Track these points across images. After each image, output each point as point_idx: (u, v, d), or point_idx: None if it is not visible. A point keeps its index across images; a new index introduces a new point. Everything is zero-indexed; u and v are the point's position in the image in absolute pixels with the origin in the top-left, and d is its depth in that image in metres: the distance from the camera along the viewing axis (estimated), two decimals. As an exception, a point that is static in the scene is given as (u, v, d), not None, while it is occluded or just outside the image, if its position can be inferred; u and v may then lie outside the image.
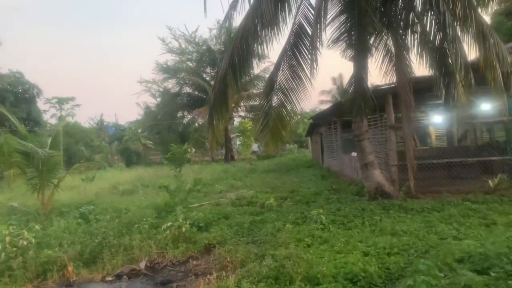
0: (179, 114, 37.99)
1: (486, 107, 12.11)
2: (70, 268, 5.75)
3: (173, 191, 10.19)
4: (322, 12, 8.24)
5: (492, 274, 3.57)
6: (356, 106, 8.76)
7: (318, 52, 8.12)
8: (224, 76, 8.40)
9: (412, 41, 9.35)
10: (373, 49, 9.39)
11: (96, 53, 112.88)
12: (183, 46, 36.12)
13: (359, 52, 8.77)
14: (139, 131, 41.16)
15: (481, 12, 8.09)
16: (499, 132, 15.35)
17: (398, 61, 9.36)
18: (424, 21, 6.25)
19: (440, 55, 6.24)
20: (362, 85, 8.85)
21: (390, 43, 9.95)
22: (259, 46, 8.87)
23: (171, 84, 37.58)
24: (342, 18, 8.92)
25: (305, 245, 5.76)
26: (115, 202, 11.68)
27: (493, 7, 10.21)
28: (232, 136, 39.02)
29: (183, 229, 7.06)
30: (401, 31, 9.22)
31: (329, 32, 9.01)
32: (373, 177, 9.04)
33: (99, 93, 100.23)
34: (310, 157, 30.59)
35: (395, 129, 10.48)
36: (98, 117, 53.55)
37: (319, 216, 7.12)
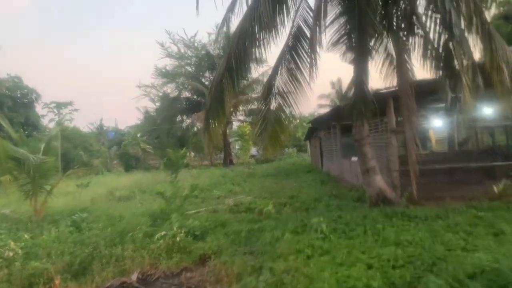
0: (178, 118, 37.80)
1: (489, 110, 11.88)
2: (57, 282, 5.46)
3: (169, 197, 9.90)
4: (322, 14, 8.03)
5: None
6: (357, 110, 8.52)
7: (317, 55, 7.92)
8: (220, 80, 8.16)
9: (413, 43, 9.20)
10: (374, 52, 9.14)
11: (97, 57, 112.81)
12: (182, 50, 36.01)
13: (360, 55, 8.54)
14: (138, 135, 40.94)
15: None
16: (500, 136, 15.10)
17: (399, 64, 9.12)
18: (428, 22, 6.00)
19: (446, 57, 6.00)
20: (363, 88, 8.62)
21: (391, 46, 9.75)
22: (256, 49, 8.63)
23: (170, 89, 37.47)
24: (342, 20, 8.72)
25: (305, 257, 5.48)
26: (110, 209, 11.39)
27: (491, 10, 9.99)
28: (231, 140, 38.78)
29: (178, 239, 6.77)
30: (402, 34, 9.01)
31: (328, 35, 8.82)
32: (374, 183, 8.77)
33: (99, 98, 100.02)
34: (309, 162, 30.31)
35: (397, 133, 10.24)
36: (98, 121, 53.34)
37: (320, 224, 6.84)
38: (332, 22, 8.68)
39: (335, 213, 8.31)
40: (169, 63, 37.06)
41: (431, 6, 5.70)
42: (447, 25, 5.46)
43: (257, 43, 8.58)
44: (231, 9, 9.20)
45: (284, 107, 9.47)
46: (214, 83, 8.35)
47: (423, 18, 6.54)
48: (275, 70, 9.59)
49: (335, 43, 8.67)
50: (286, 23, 8.95)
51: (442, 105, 15.88)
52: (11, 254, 5.95)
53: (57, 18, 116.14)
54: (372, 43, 9.00)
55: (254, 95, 32.91)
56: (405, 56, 9.21)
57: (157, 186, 11.23)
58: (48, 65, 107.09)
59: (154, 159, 37.38)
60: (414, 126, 9.31)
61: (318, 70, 8.43)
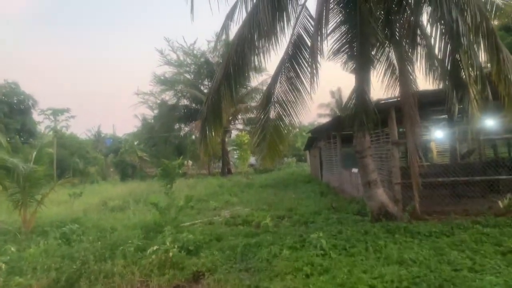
0: (176, 126, 37.57)
1: (493, 122, 11.65)
2: (40, 300, 5.14)
3: (163, 209, 9.58)
4: (323, 22, 7.82)
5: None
6: (358, 121, 8.27)
7: (318, 65, 7.71)
8: (218, 87, 7.91)
9: (416, 53, 9.00)
10: (376, 62, 8.93)
11: (96, 64, 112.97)
12: (181, 58, 35.99)
13: (361, 64, 8.32)
14: (136, 143, 40.67)
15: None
16: (503, 148, 14.87)
17: (402, 74, 8.92)
18: (434, 31, 5.78)
19: (452, 67, 5.76)
20: (364, 98, 8.38)
21: (393, 55, 9.55)
22: (256, 57, 8.41)
23: (168, 96, 37.33)
24: (343, 28, 8.51)
25: (303, 276, 5.17)
26: (102, 220, 11.06)
27: (494, 21, 9.83)
28: (229, 149, 38.50)
29: (171, 254, 6.46)
30: (405, 43, 8.82)
31: (329, 43, 8.62)
32: (376, 197, 8.48)
33: (97, 105, 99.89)
34: (309, 172, 30.02)
35: (399, 145, 9.99)
36: (96, 128, 52.99)
37: (319, 240, 6.53)
38: (333, 30, 8.47)
39: (335, 227, 8.01)
40: (167, 71, 37.07)
41: (437, 14, 5.47)
42: (454, 34, 5.23)
43: (256, 50, 8.37)
44: (230, 16, 9.01)
45: (283, 116, 9.26)
46: (212, 90, 8.11)
47: (428, 27, 6.31)
48: (275, 78, 9.39)
49: (336, 52, 8.45)
50: (286, 30, 8.73)
51: (444, 116, 15.70)
52: (-7, 269, 5.61)
53: (56, 24, 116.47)
54: (374, 52, 8.78)
55: (253, 104, 32.73)
56: (408, 66, 9.03)
57: (152, 197, 10.92)
58: (46, 71, 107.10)
59: (151, 168, 37.05)
60: (417, 138, 9.06)
61: (319, 79, 8.30)
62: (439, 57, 5.88)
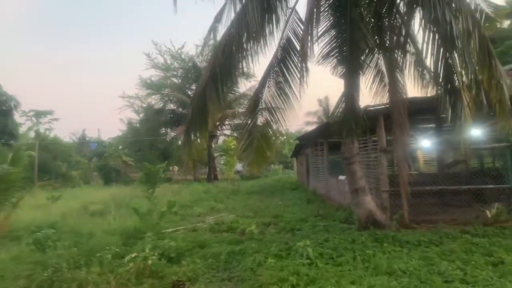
0: (162, 131, 37.06)
1: (480, 131, 11.66)
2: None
3: (144, 214, 9.24)
4: (313, 25, 7.69)
5: None
6: (347, 127, 8.11)
7: (308, 69, 7.55)
8: (204, 90, 7.66)
9: (406, 60, 8.94)
10: (365, 67, 8.82)
11: (81, 66, 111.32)
12: (168, 62, 35.58)
13: (351, 69, 8.17)
14: (120, 147, 40.01)
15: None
16: (490, 158, 14.93)
17: (391, 81, 8.83)
18: (426, 35, 5.65)
19: (446, 72, 5.63)
20: (353, 104, 8.23)
21: (381, 62, 9.47)
22: (244, 59, 8.21)
23: (154, 100, 36.76)
24: (333, 32, 8.36)
25: (289, 286, 4.92)
26: (80, 225, 10.60)
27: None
28: (216, 155, 38.12)
29: (150, 262, 6.14)
30: (395, 50, 8.74)
31: (319, 47, 8.47)
32: (364, 204, 8.31)
33: (82, 108, 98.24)
34: (295, 179, 29.86)
35: (387, 152, 9.89)
36: (80, 132, 52.04)
37: (305, 248, 6.30)
38: (323, 34, 8.31)
39: (322, 235, 7.79)
40: (154, 74, 36.62)
41: (431, 17, 5.35)
42: (448, 37, 5.12)
43: (244, 53, 8.17)
44: (218, 19, 8.81)
45: (271, 122, 9.04)
46: (197, 93, 7.87)
47: (419, 32, 6.21)
48: (263, 83, 9.19)
49: (326, 56, 8.28)
50: (275, 33, 8.58)
51: (431, 125, 15.73)
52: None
53: (41, 24, 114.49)
54: (363, 58, 8.67)
55: (241, 110, 32.52)
56: (397, 73, 8.94)
57: (134, 202, 10.56)
58: (29, 73, 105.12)
59: (135, 172, 36.38)
60: (405, 146, 8.96)
61: (308, 85, 8.14)
62: (432, 61, 5.74)
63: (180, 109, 35.17)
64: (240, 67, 8.40)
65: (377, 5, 8.39)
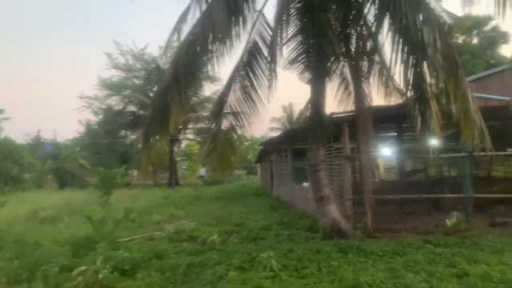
0: (122, 133, 35.78)
1: (439, 140, 11.92)
2: None
3: (98, 222, 8.62)
4: (283, 29, 7.51)
5: None
6: (313, 133, 7.98)
7: (276, 74, 7.35)
8: (166, 90, 7.24)
9: (371, 69, 8.98)
10: (332, 74, 8.76)
11: (38, 65, 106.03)
12: (130, 62, 34.48)
13: (317, 75, 8.08)
14: (77, 149, 38.24)
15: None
16: (448, 167, 15.40)
17: (357, 89, 8.82)
18: (396, 43, 5.60)
19: (415, 80, 5.58)
20: (320, 110, 8.14)
21: (346, 70, 9.46)
22: (208, 61, 7.88)
23: (114, 102, 35.47)
24: (300, 37, 8.24)
25: (251, 303, 4.61)
26: (27, 233, 9.78)
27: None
28: (178, 159, 37.24)
29: (100, 275, 5.64)
30: (360, 58, 8.74)
31: (286, 52, 8.32)
32: (328, 213, 8.17)
33: (38, 108, 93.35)
34: (259, 185, 29.69)
35: (351, 160, 9.88)
36: (35, 133, 49.14)
37: (269, 260, 6.02)
38: (290, 39, 8.16)
39: (286, 245, 7.56)
40: (115, 75, 35.34)
41: (401, 24, 5.29)
42: (420, 45, 5.07)
43: (209, 54, 7.84)
44: (183, 19, 8.41)
45: (236, 127, 8.77)
46: (158, 94, 7.45)
47: (388, 39, 6.16)
48: (228, 86, 8.90)
49: (293, 62, 8.15)
50: (241, 36, 8.31)
51: (392, 133, 16.05)
52: None
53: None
54: (329, 65, 8.59)
55: (205, 114, 32.02)
56: (362, 81, 8.95)
57: (87, 209, 9.86)
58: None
59: (92, 176, 34.87)
60: (370, 153, 8.97)
61: (276, 90, 7.95)
62: (401, 70, 5.68)
63: (141, 111, 34.16)
64: (205, 68, 8.08)
65: (344, 12, 8.35)
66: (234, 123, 8.75)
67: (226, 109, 8.74)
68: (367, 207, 8.39)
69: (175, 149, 34.85)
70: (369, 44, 8.78)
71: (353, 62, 8.89)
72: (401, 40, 5.58)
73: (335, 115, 9.31)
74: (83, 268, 5.88)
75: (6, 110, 37.78)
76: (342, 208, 9.11)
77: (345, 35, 8.71)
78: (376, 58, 9.16)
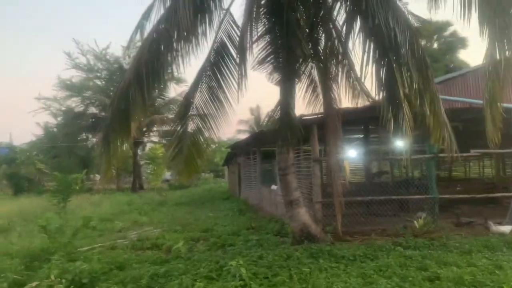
0: (82, 136, 34.30)
1: (404, 142, 12.10)
2: None
3: (54, 232, 8.02)
4: (251, 28, 7.27)
5: None
6: (282, 136, 7.79)
7: (245, 74, 7.10)
8: (127, 90, 6.79)
9: (337, 71, 8.92)
10: (302, 75, 8.63)
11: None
12: (91, 62, 33.18)
13: (286, 76, 7.91)
14: (34, 153, 36.29)
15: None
16: (414, 168, 15.75)
17: (325, 91, 8.72)
18: (367, 43, 5.49)
19: (387, 81, 5.49)
20: (289, 112, 7.97)
21: (315, 72, 9.37)
22: (173, 59, 7.51)
23: (74, 103, 33.99)
24: (269, 37, 8.04)
25: (220, 316, 4.31)
26: (-27, 245, 8.99)
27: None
28: (142, 163, 36.17)
29: (54, 291, 5.16)
30: (329, 60, 8.66)
31: (255, 52, 8.08)
32: (298, 217, 7.99)
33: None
34: (227, 188, 29.33)
35: (320, 162, 9.79)
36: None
37: (238, 268, 5.72)
38: (259, 38, 7.94)
39: (255, 251, 7.29)
40: (75, 75, 33.86)
41: (373, 24, 5.18)
42: (392, 44, 4.98)
43: (174, 53, 7.47)
44: (146, 16, 7.97)
45: (203, 129, 8.44)
46: (118, 93, 6.97)
47: (358, 40, 6.05)
48: (194, 87, 8.55)
49: (262, 62, 7.93)
50: (208, 35, 7.98)
51: (358, 135, 16.23)
52: None
53: None
54: (298, 65, 8.46)
55: (170, 116, 31.32)
56: (331, 83, 8.87)
57: (42, 217, 9.18)
58: None
59: (50, 181, 33.22)
60: (339, 155, 8.90)
61: (245, 91, 7.70)
62: (373, 70, 5.57)
63: (103, 113, 32.90)
64: (169, 68, 7.70)
65: (313, 13, 8.24)
66: (200, 125, 8.43)
67: (192, 111, 8.41)
68: (337, 210, 8.28)
69: (139, 152, 33.85)
70: (337, 46, 8.72)
71: (322, 64, 8.82)
72: (373, 39, 5.48)
73: (304, 117, 9.18)
74: (34, 284, 5.39)
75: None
76: (312, 212, 8.99)
77: (314, 36, 8.61)
78: (345, 61, 9.11)
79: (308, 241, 7.70)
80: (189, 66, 7.92)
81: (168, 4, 7.62)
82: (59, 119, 35.38)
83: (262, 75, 8.37)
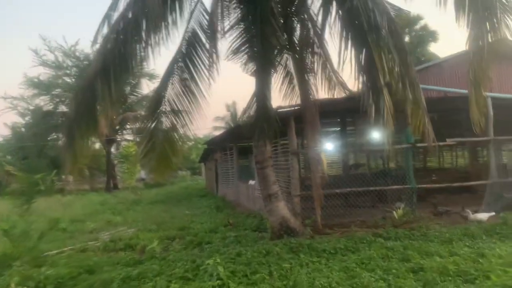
0: (52, 136, 33.00)
1: (380, 133, 12.09)
2: None
3: (17, 236, 7.51)
4: (222, 17, 6.97)
5: None
6: (259, 128, 7.52)
7: (217, 67, 6.83)
8: (92, 83, 6.36)
9: (313, 62, 8.74)
10: (277, 65, 8.39)
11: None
12: (60, 59, 31.92)
13: (262, 66, 7.63)
14: (1, 155, 34.77)
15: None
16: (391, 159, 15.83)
17: (302, 82, 8.52)
18: (344, 29, 5.28)
19: (367, 67, 5.28)
20: (266, 104, 7.69)
21: (290, 64, 9.16)
22: (143, 50, 7.10)
23: (43, 102, 32.65)
24: (243, 26, 7.75)
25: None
26: None
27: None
28: (116, 161, 35.19)
29: (14, 301, 4.74)
30: (306, 49, 8.46)
31: (229, 41, 7.79)
32: (277, 211, 7.77)
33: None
34: (204, 185, 28.91)
35: (298, 155, 9.61)
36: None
37: (215, 267, 5.44)
38: (232, 27, 7.65)
39: (233, 248, 7.03)
40: (43, 72, 32.49)
41: (353, 5, 4.96)
42: (372, 26, 4.78)
43: (144, 43, 7.06)
44: (113, 6, 7.51)
45: (176, 125, 8.05)
46: (82, 87, 6.53)
47: (334, 28, 5.85)
48: (165, 80, 8.16)
49: (236, 51, 7.64)
50: (179, 24, 7.61)
51: (335, 128, 16.19)
52: None
53: None
54: (274, 56, 8.20)
55: (144, 113, 30.56)
56: (307, 74, 8.68)
57: (3, 220, 8.62)
58: None
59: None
60: (318, 148, 8.73)
61: (217, 82, 7.42)
62: (352, 57, 5.36)
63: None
64: (139, 59, 7.28)
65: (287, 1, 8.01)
66: (174, 120, 8.04)
67: (164, 106, 8.02)
68: (316, 202, 8.11)
69: (113, 150, 32.92)
70: (313, 36, 8.52)
71: (297, 55, 8.60)
72: (350, 22, 5.27)
73: (281, 109, 8.95)
74: (-8, 293, 4.93)
75: None
76: (290, 205, 8.80)
77: (288, 26, 8.38)
78: (320, 51, 8.93)
79: (287, 235, 7.51)
80: (161, 58, 7.56)
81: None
82: (27, 118, 34.01)
83: (239, 72, 8.13)
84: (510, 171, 12.05)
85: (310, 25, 8.45)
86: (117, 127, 30.90)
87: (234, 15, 7.75)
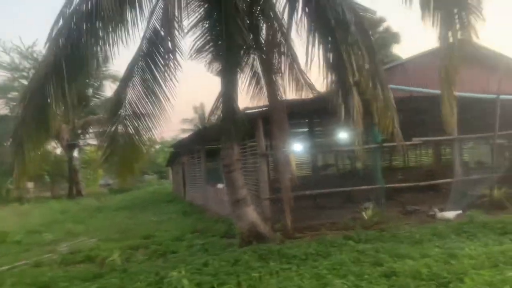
0: (9, 141, 31.27)
1: (348, 133, 12.10)
2: None
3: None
4: (183, 14, 6.62)
5: None
6: (226, 130, 7.24)
7: (178, 66, 6.49)
8: (43, 83, 5.87)
9: (280, 63, 8.57)
10: (243, 65, 8.14)
11: None
12: (16, 61, 30.33)
13: (228, 66, 7.36)
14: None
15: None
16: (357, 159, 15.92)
17: (270, 83, 8.32)
18: (312, 26, 5.11)
19: (335, 63, 5.13)
20: (232, 105, 7.44)
21: (257, 64, 8.94)
22: (99, 48, 6.65)
23: (-1, 105, 30.82)
24: (207, 24, 7.45)
25: None
26: None
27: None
28: (78, 167, 33.75)
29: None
30: (273, 49, 8.27)
31: (192, 40, 7.46)
32: (246, 216, 7.51)
33: None
34: (171, 190, 28.22)
35: (267, 157, 9.40)
36: None
37: (180, 280, 5.10)
38: (195, 25, 7.32)
39: (200, 257, 6.68)
40: (-3, 75, 30.70)
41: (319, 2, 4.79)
42: (340, 22, 4.60)
43: (100, 42, 6.61)
44: (68, 4, 7.02)
45: (138, 127, 7.64)
46: (31, 88, 6.01)
47: (303, 19, 5.66)
48: (125, 81, 7.75)
49: (200, 50, 7.32)
50: (139, 22, 7.18)
51: (303, 129, 16.13)
52: None
53: None
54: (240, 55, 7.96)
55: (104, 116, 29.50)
56: (274, 75, 8.49)
57: None
58: None
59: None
60: (286, 149, 8.54)
61: (179, 82, 7.07)
62: (320, 55, 5.18)
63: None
64: (95, 58, 6.83)
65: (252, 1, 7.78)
66: (135, 123, 7.63)
67: (125, 108, 7.59)
68: (286, 205, 7.92)
69: (76, 155, 31.52)
70: (280, 36, 8.36)
71: (264, 56, 8.40)
72: (317, 19, 5.10)
73: (248, 110, 8.71)
74: None
75: None
76: (260, 209, 8.57)
77: (254, 26, 8.16)
78: (287, 51, 8.78)
79: (257, 241, 7.24)
80: (120, 59, 7.16)
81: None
82: (-20, 123, 32.00)
83: (208, 72, 7.81)
84: (472, 169, 12.40)
85: (276, 25, 8.28)
86: (79, 131, 29.64)
87: (196, 13, 7.44)
